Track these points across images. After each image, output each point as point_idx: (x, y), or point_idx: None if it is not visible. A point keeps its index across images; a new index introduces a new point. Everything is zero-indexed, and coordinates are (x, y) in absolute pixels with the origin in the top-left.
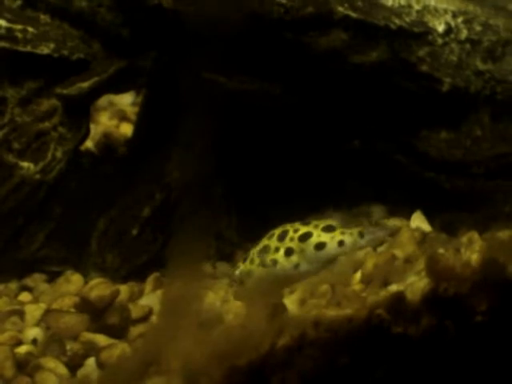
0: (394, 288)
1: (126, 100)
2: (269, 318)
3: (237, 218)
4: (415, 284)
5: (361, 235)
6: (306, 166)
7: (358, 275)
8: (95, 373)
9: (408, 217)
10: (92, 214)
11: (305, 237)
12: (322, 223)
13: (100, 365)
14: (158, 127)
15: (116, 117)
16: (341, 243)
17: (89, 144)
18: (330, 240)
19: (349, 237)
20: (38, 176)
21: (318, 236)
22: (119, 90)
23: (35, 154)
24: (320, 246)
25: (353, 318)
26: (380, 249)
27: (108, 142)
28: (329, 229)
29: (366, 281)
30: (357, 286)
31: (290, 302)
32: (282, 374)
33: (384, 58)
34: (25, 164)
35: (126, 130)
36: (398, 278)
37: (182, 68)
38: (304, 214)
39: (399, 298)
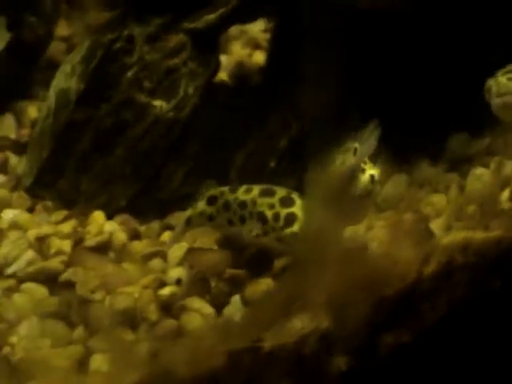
0: None
1: (258, 27)
2: (414, 245)
3: None
4: None
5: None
6: (439, 92)
7: (507, 193)
8: (241, 311)
9: None
10: (229, 148)
11: None
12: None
13: (245, 302)
14: (291, 54)
15: (248, 45)
16: None
17: (223, 76)
18: None
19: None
20: (171, 114)
21: None
22: (248, 19)
23: (167, 92)
24: None
25: (502, 239)
26: None
27: (242, 72)
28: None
29: None
30: (506, 205)
31: (436, 227)
32: (431, 302)
33: None
34: (157, 102)
35: (259, 58)
36: None
37: None
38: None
39: None
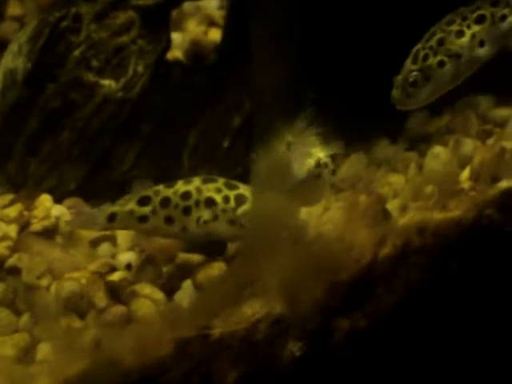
0: (504, 184)
1: (213, 4)
2: (370, 227)
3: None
4: None
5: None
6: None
7: (466, 172)
8: (192, 296)
9: None
10: (182, 129)
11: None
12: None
13: (197, 286)
14: (246, 32)
15: (204, 22)
16: None
17: (177, 53)
18: None
19: None
20: (120, 93)
21: None
22: None
23: (115, 71)
24: None
25: (461, 220)
26: (488, 141)
27: (197, 50)
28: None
29: (476, 178)
30: (465, 184)
31: (394, 208)
32: (387, 284)
33: None
34: (106, 82)
35: (215, 35)
36: (508, 173)
37: None
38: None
39: (510, 194)
